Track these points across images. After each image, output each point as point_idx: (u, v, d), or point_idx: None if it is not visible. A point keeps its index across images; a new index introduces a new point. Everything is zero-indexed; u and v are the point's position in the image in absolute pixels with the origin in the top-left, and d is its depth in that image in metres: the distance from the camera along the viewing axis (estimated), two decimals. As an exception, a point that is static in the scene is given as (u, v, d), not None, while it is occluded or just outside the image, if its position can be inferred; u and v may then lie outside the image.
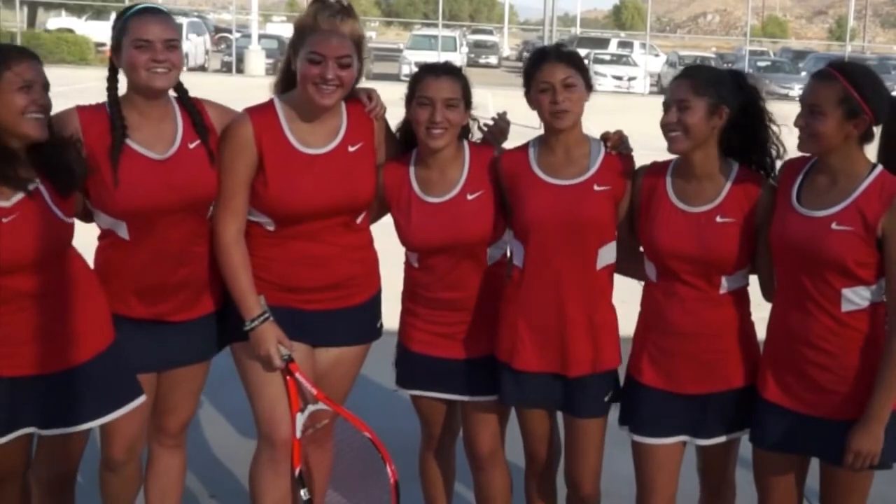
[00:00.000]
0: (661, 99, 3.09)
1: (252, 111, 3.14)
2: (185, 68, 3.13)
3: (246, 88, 14.04)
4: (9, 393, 2.86)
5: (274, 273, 3.16)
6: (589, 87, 3.15)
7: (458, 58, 28.47)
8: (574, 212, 3.08)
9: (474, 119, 3.33)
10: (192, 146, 3.08)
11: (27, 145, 2.83)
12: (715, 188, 3.01)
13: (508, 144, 3.35)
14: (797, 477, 3.05)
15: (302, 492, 3.18)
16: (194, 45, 30.79)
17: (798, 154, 2.95)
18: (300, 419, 3.16)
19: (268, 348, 3.09)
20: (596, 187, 3.10)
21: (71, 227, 2.93)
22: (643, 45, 35.59)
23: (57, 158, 2.87)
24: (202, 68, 31.29)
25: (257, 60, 29.36)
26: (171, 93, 3.12)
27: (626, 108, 18.18)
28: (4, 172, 2.78)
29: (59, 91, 2.96)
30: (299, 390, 3.17)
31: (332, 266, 3.20)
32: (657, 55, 36.43)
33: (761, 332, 3.07)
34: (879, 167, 2.84)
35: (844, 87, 2.77)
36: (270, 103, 3.17)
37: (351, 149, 3.17)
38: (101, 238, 3.12)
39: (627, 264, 3.22)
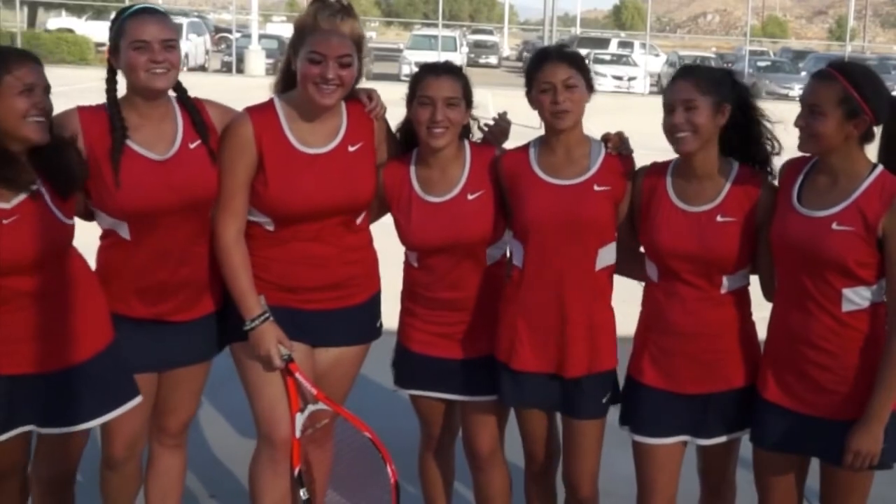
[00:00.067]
0: (661, 99, 3.09)
1: (252, 111, 3.14)
2: (185, 68, 3.12)
3: (246, 88, 14.04)
4: (8, 391, 2.86)
5: (274, 273, 3.16)
6: (590, 88, 3.15)
7: (458, 58, 28.44)
8: (574, 212, 3.08)
9: (475, 119, 3.33)
10: (192, 146, 3.08)
11: (28, 148, 2.83)
12: (715, 188, 3.01)
13: (509, 144, 3.35)
14: (797, 477, 3.05)
15: (301, 492, 3.18)
16: (194, 45, 30.81)
17: (798, 154, 2.95)
18: (300, 419, 3.16)
19: (268, 348, 3.09)
20: (596, 187, 3.10)
21: (71, 228, 2.94)
22: (643, 45, 35.59)
23: (57, 160, 2.87)
24: (202, 68, 31.30)
25: (257, 60, 29.36)
26: (171, 93, 3.12)
27: (626, 108, 18.18)
28: (5, 175, 2.78)
29: (60, 91, 2.96)
30: (299, 390, 3.17)
31: (332, 266, 3.20)
32: (657, 55, 36.42)
33: (762, 332, 3.07)
34: (880, 167, 2.84)
35: (844, 87, 2.77)
36: (270, 103, 3.17)
37: (351, 149, 3.17)
38: (102, 238, 3.12)
39: (628, 265, 3.22)
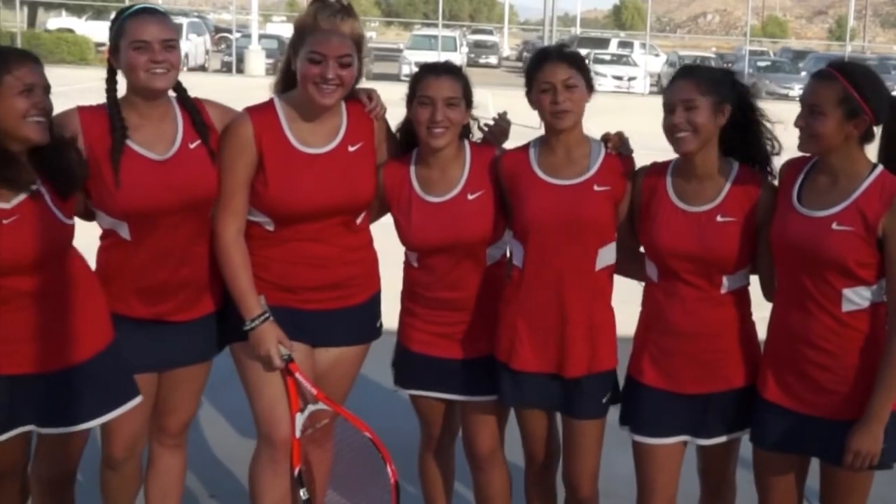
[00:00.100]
0: (661, 99, 3.09)
1: (252, 111, 3.14)
2: (184, 68, 3.13)
3: (246, 88, 14.03)
4: (8, 391, 2.86)
5: (274, 273, 3.16)
6: (590, 88, 3.15)
7: (458, 58, 28.44)
8: (574, 212, 3.08)
9: (475, 119, 3.33)
10: (192, 146, 3.08)
11: (28, 148, 2.83)
12: (715, 188, 3.01)
13: (509, 144, 3.35)
14: (797, 477, 3.05)
15: (301, 491, 3.18)
16: (194, 45, 30.80)
17: (798, 154, 2.95)
18: (300, 419, 3.16)
19: (268, 348, 3.09)
20: (596, 187, 3.10)
21: (71, 229, 2.94)
22: (643, 45, 35.58)
23: (58, 161, 2.87)
24: (202, 68, 31.30)
25: (257, 60, 29.36)
26: (171, 93, 3.12)
27: (626, 108, 18.19)
28: (5, 175, 2.78)
29: (60, 91, 2.96)
30: (299, 390, 3.17)
31: (332, 266, 3.20)
32: (657, 55, 36.42)
33: (762, 332, 3.07)
34: (880, 167, 2.84)
35: (844, 87, 2.77)
36: (270, 103, 3.17)
37: (351, 149, 3.17)
38: (102, 238, 3.12)
39: (628, 266, 3.22)
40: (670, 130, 2.96)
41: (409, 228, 3.21)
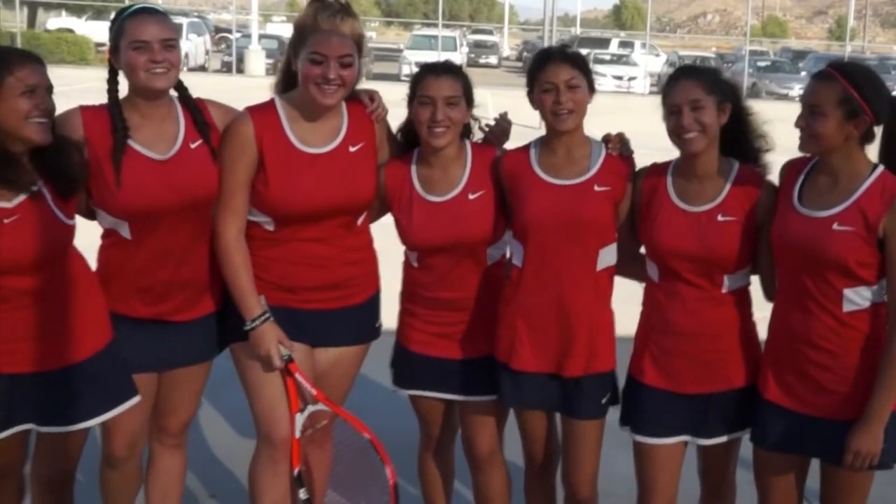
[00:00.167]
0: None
1: (253, 110, 3.14)
2: (184, 68, 3.13)
3: (246, 88, 14.03)
4: (7, 390, 2.86)
5: (274, 273, 3.16)
6: (592, 89, 3.15)
7: (458, 58, 28.43)
8: (574, 212, 3.08)
9: (476, 119, 3.33)
10: (193, 146, 3.08)
11: (30, 148, 2.83)
12: (716, 187, 3.01)
13: (509, 144, 3.35)
14: (797, 477, 3.05)
15: (301, 491, 3.18)
16: (194, 45, 30.79)
17: (799, 154, 2.95)
18: (300, 419, 3.16)
19: (268, 348, 3.09)
20: (596, 188, 3.10)
21: (72, 229, 2.94)
22: (644, 45, 35.58)
23: (59, 162, 2.87)
24: (202, 68, 31.29)
25: (257, 60, 29.36)
26: (173, 92, 3.12)
27: (626, 108, 18.17)
28: (6, 176, 2.78)
29: (60, 91, 2.95)
30: (299, 391, 3.17)
31: (332, 266, 3.20)
32: (658, 55, 36.42)
33: (762, 332, 3.07)
34: (881, 167, 2.84)
35: (845, 87, 2.77)
36: (271, 103, 3.17)
37: (352, 149, 3.17)
38: (103, 237, 3.12)
39: (628, 266, 3.22)
40: (677, 132, 2.96)
41: (409, 228, 3.21)
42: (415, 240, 3.22)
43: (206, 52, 33.31)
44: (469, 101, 3.21)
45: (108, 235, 3.10)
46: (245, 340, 3.12)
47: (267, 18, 48.79)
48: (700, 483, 3.34)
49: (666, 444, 3.09)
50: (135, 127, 3.02)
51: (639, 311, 3.18)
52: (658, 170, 3.14)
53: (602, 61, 30.12)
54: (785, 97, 27.53)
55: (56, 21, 37.96)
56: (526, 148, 3.23)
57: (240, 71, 29.39)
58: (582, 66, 3.13)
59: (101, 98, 3.07)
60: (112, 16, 3.31)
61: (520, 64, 42.45)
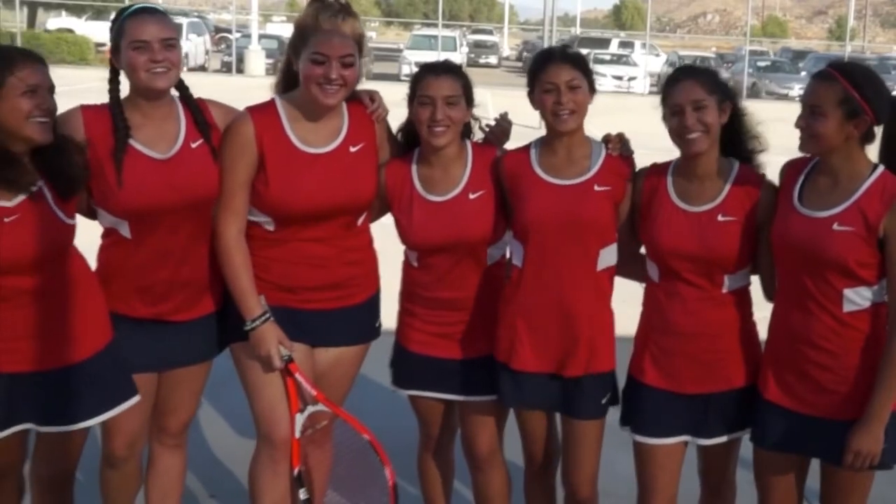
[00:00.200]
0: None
1: (253, 110, 3.14)
2: (184, 68, 3.13)
3: (246, 88, 14.02)
4: (7, 389, 2.87)
5: (274, 273, 3.16)
6: (592, 89, 3.15)
7: (458, 58, 28.41)
8: (574, 212, 3.08)
9: (476, 119, 3.33)
10: (194, 145, 3.08)
11: (31, 148, 2.83)
12: (716, 187, 3.01)
13: (509, 145, 3.35)
14: (797, 477, 3.05)
15: (301, 492, 3.18)
16: (194, 45, 30.78)
17: (799, 154, 2.95)
18: (300, 420, 3.16)
19: (268, 349, 3.09)
20: (596, 188, 3.10)
21: (72, 229, 2.94)
22: (644, 45, 35.57)
23: (60, 162, 2.87)
24: (202, 68, 31.28)
25: (257, 60, 29.35)
26: (175, 92, 3.12)
27: (626, 108, 18.17)
28: (7, 176, 2.78)
29: (60, 91, 2.95)
30: (299, 391, 3.17)
31: (332, 266, 3.20)
32: (658, 55, 36.42)
33: (763, 332, 3.07)
34: (881, 167, 2.84)
35: (845, 87, 2.77)
36: (272, 103, 3.17)
37: (352, 149, 3.17)
38: (103, 237, 3.12)
39: (628, 267, 3.22)
40: (680, 132, 2.96)
41: (410, 227, 3.21)
42: (415, 239, 3.22)
43: (206, 52, 33.30)
44: (469, 100, 3.21)
45: (108, 235, 3.10)
46: (245, 340, 3.12)
47: (267, 18, 48.79)
48: (700, 483, 3.34)
49: (666, 444, 3.09)
50: (136, 126, 3.02)
51: (639, 311, 3.18)
52: (658, 170, 3.14)
53: (602, 61, 30.11)
54: (785, 97, 27.54)
55: (56, 21, 37.95)
56: (526, 148, 3.23)
57: (240, 71, 29.38)
58: (583, 66, 3.13)
59: (101, 98, 3.08)
60: (112, 16, 3.32)
61: (520, 64, 42.44)
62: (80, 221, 3.02)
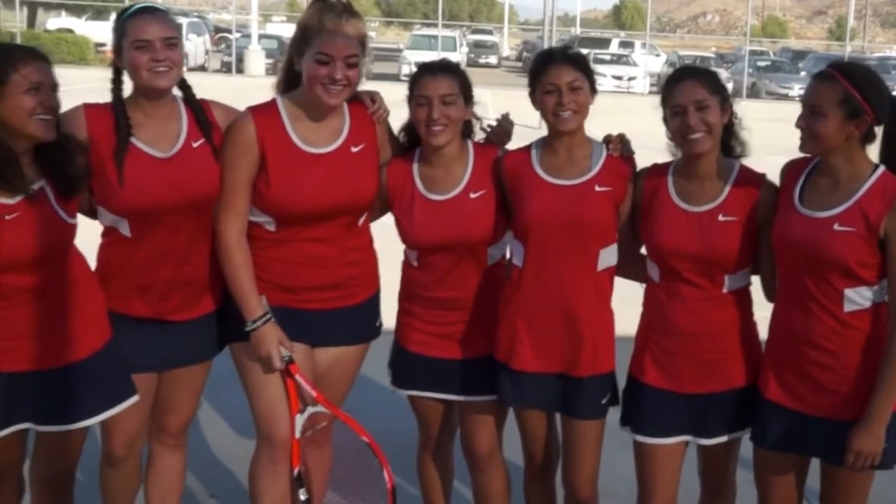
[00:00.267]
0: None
1: (254, 110, 3.14)
2: (185, 68, 3.13)
3: (246, 88, 14.04)
4: (6, 388, 2.86)
5: (275, 273, 3.16)
6: (593, 90, 3.15)
7: (458, 58, 28.41)
8: (575, 212, 3.08)
9: (478, 118, 3.33)
10: (195, 145, 3.08)
11: (34, 146, 2.83)
12: (716, 187, 3.01)
13: (510, 145, 3.35)
14: (797, 477, 3.05)
15: (301, 492, 3.18)
16: (194, 45, 30.76)
17: (799, 154, 2.95)
18: (299, 420, 3.16)
19: (269, 349, 3.08)
20: (597, 188, 3.10)
21: (73, 227, 2.94)
22: (644, 45, 35.57)
23: (62, 160, 2.87)
24: (202, 68, 31.27)
25: (257, 60, 29.36)
26: (177, 92, 3.13)
27: (627, 108, 18.17)
28: (7, 175, 2.78)
29: (60, 91, 2.95)
30: (299, 392, 3.17)
31: (333, 266, 3.20)
32: (658, 55, 36.41)
33: (763, 332, 3.07)
34: (882, 168, 2.84)
35: (845, 87, 2.77)
36: (273, 103, 3.17)
37: (354, 149, 3.17)
38: (103, 236, 3.13)
39: (629, 267, 3.22)
40: (683, 132, 2.96)
41: (411, 226, 3.21)
42: (416, 238, 3.22)
43: (206, 52, 33.30)
44: (467, 98, 3.21)
45: (109, 233, 3.10)
46: (245, 340, 3.12)
47: (267, 18, 48.77)
48: (700, 483, 3.34)
49: (666, 443, 3.09)
50: (138, 125, 3.02)
51: (639, 311, 3.18)
52: (659, 170, 3.14)
53: (602, 61, 30.08)
54: (785, 97, 27.54)
55: (56, 21, 37.93)
56: (527, 148, 3.23)
57: (239, 71, 29.38)
58: (584, 67, 3.13)
59: (101, 98, 3.08)
60: (112, 16, 3.32)
61: (520, 64, 42.45)
62: (81, 220, 3.03)
